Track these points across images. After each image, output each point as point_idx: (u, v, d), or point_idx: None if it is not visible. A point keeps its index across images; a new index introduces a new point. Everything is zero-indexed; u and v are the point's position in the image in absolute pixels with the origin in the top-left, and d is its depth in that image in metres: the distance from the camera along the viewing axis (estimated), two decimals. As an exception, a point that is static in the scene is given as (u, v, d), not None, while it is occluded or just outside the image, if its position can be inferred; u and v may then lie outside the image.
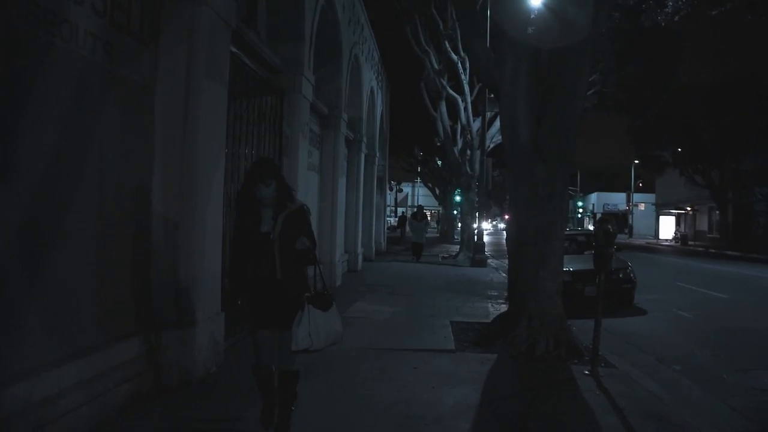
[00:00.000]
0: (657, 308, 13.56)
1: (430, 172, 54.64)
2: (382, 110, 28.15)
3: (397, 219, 52.02)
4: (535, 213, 8.83)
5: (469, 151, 28.22)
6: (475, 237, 25.07)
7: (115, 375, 5.57)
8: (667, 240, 62.31)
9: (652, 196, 71.65)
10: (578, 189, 77.22)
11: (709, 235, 53.29)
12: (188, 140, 6.45)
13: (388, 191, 40.43)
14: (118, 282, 5.85)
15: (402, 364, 7.75)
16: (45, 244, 4.71)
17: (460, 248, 28.24)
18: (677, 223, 64.76)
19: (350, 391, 6.57)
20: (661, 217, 68.40)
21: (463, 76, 26.17)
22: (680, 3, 15.75)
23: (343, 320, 10.31)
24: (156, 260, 6.43)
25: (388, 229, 38.10)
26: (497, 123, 25.53)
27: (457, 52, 25.61)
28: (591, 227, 56.00)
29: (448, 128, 29.22)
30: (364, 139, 21.13)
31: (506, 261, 21.56)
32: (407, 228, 22.96)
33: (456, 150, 29.48)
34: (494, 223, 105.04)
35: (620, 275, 13.30)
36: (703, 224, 56.84)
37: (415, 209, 25.57)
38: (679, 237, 56.11)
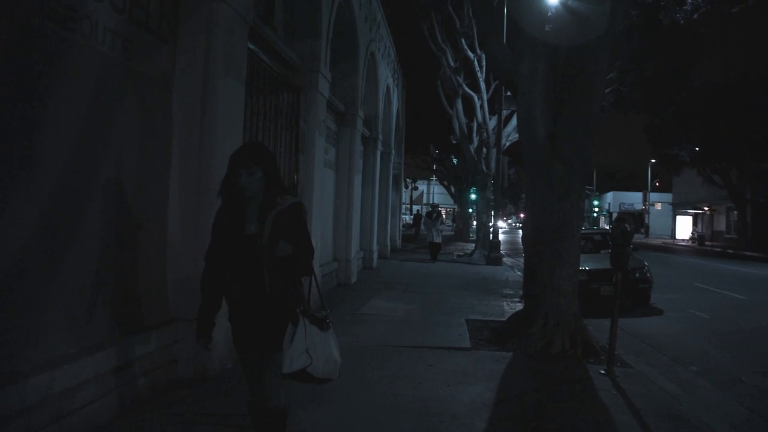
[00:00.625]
0: (673, 308, 13.50)
1: (445, 170, 54.57)
2: (398, 108, 28.12)
3: (412, 217, 52.03)
4: (552, 211, 8.80)
5: (485, 149, 28.22)
6: (491, 235, 25.01)
7: (133, 369, 5.61)
8: (683, 240, 61.98)
9: (668, 195, 71.30)
10: (594, 188, 76.91)
11: (726, 236, 53.00)
12: (205, 137, 6.48)
13: (403, 189, 40.41)
14: (135, 277, 5.88)
15: (417, 362, 7.75)
16: (65, 239, 4.74)
17: (475, 246, 28.20)
18: (694, 223, 64.43)
19: (366, 387, 6.57)
20: (677, 217, 68.06)
21: (479, 74, 26.16)
22: (699, 0, 15.60)
23: (358, 317, 10.46)
24: (173, 256, 6.46)
25: (403, 226, 38.11)
26: (513, 121, 25.55)
27: (473, 50, 25.60)
28: (606, 227, 55.86)
29: (464, 126, 29.19)
30: (380, 137, 21.12)
31: (521, 259, 21.53)
32: (422, 227, 22.73)
33: (472, 148, 29.47)
34: (509, 221, 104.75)
35: (637, 275, 13.25)
36: (720, 224, 56.50)
37: (430, 208, 24.97)
38: (696, 237, 55.81)
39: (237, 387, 6.35)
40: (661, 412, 6.07)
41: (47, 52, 4.44)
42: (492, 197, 26.61)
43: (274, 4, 10.55)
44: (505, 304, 13.10)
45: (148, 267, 6.17)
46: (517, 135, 25.21)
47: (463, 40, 25.42)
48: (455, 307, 12.34)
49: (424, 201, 74.56)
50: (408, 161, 42.88)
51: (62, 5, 4.55)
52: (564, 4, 9.17)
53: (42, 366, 4.35)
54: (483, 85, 26.52)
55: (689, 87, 30.65)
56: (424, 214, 35.57)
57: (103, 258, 5.28)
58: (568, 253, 8.76)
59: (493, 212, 26.15)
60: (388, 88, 22.96)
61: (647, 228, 71.23)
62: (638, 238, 59.37)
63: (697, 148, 46.37)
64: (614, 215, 74.00)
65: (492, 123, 26.67)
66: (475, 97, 26.97)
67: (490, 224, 26.01)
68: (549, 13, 11.08)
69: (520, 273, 19.14)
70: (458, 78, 27.19)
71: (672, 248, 47.23)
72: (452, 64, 26.88)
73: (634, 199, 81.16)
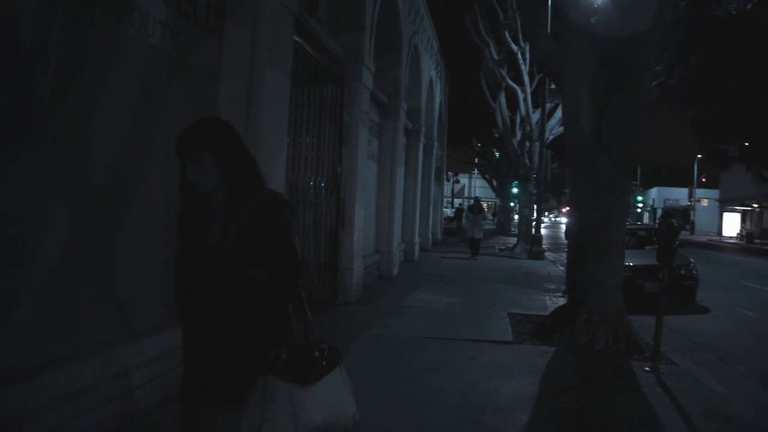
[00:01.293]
0: (720, 307, 13.25)
1: (487, 164, 54.28)
2: (441, 100, 28.03)
3: (453, 210, 51.87)
4: (597, 206, 8.70)
5: (528, 143, 28.02)
6: (533, 229, 24.84)
7: (178, 355, 5.68)
8: (730, 237, 60.73)
9: (715, 191, 69.95)
10: (638, 183, 75.84)
11: (776, 234, 51.81)
12: (251, 128, 6.51)
13: (445, 182, 40.30)
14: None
15: (460, 354, 7.73)
16: (115, 227, 4.83)
17: (517, 240, 28.08)
18: (742, 220, 63.05)
19: (409, 378, 6.59)
20: (724, 214, 66.70)
21: (522, 67, 25.97)
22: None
23: (400, 309, 10.51)
24: (218, 245, 6.52)
25: (444, 220, 38.03)
26: (557, 114, 25.32)
27: (517, 43, 25.41)
28: (650, 223, 55.05)
29: (507, 119, 29.04)
30: (423, 129, 21.09)
31: (563, 254, 21.33)
32: (464, 221, 22.26)
33: (515, 141, 29.30)
34: (551, 216, 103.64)
35: (682, 271, 13.02)
36: (770, 222, 55.25)
37: (472, 201, 24.39)
38: (744, 234, 54.62)
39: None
40: (707, 412, 5.95)
41: (100, 43, 4.52)
42: (534, 191, 26.42)
43: (318, -4, 10.60)
44: (547, 298, 13.00)
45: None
46: (560, 128, 25.08)
47: (506, 32, 25.24)
48: (497, 300, 12.29)
49: (466, 194, 74.22)
50: (450, 154, 42.69)
51: (115, -3, 4.62)
52: (611, -5, 9.04)
53: (95, 349, 4.45)
54: (526, 78, 26.32)
55: (739, 80, 29.96)
56: (465, 207, 35.37)
57: (151, 247, 5.35)
58: (613, 249, 8.66)
59: (535, 206, 25.94)
60: (430, 81, 22.90)
61: (692, 225, 70.00)
62: (683, 234, 58.33)
63: (746, 143, 45.32)
64: (658, 211, 72.96)
65: (535, 116, 26.45)
66: (519, 90, 26.77)
67: (533, 218, 25.82)
68: (596, 5, 10.93)
69: (562, 268, 18.98)
70: (501, 71, 27.01)
71: (718, 245, 46.36)
72: (495, 56, 26.73)
73: (679, 194, 79.80)
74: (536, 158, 26.05)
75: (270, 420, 2.51)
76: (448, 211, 55.16)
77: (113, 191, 4.77)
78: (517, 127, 30.02)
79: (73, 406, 4.15)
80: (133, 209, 5.07)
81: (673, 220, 7.52)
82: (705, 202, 72.59)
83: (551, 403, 6.07)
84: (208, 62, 6.29)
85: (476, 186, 79.20)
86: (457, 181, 71.47)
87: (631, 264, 12.22)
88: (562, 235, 30.98)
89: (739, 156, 48.03)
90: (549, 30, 13.95)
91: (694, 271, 13.38)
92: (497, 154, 48.17)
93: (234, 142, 3.03)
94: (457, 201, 67.99)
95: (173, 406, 5.31)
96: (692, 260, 13.74)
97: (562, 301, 11.96)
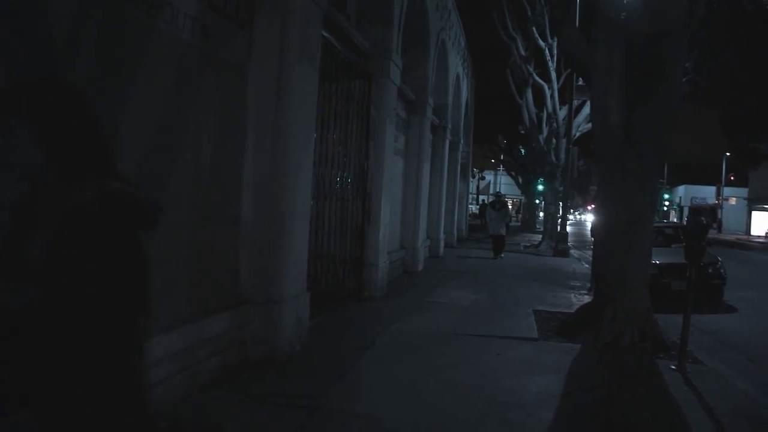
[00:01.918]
0: (749, 307, 13.08)
1: (513, 160, 54.05)
2: (467, 97, 27.97)
3: (478, 207, 51.74)
4: (625, 203, 8.63)
5: (554, 140, 27.88)
6: (558, 227, 24.68)
7: (205, 348, 5.74)
8: (759, 236, 59.95)
9: (744, 190, 69.06)
10: (665, 181, 75.10)
11: (807, 233, 51.09)
12: (280, 122, 6.56)
13: (470, 179, 40.19)
14: (210, 259, 6.00)
15: (485, 350, 7.72)
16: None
17: (542, 237, 27.98)
18: (771, 219, 62.30)
19: (434, 373, 6.58)
20: (753, 212, 65.86)
21: (550, 63, 25.83)
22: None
23: (425, 305, 10.52)
24: (245, 238, 6.57)
25: (469, 216, 37.95)
26: (584, 111, 25.15)
27: (544, 39, 25.27)
28: (676, 221, 54.46)
29: (534, 116, 28.86)
30: (449, 126, 21.05)
31: (588, 251, 21.19)
32: (486, 218, 21.54)
33: (541, 138, 29.14)
34: (576, 213, 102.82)
35: (710, 270, 12.87)
36: (801, 221, 54.50)
37: (494, 197, 23.28)
38: (773, 234, 53.98)
39: (305, 369, 6.46)
40: (735, 412, 5.88)
41: (132, 37, 4.57)
42: (560, 188, 26.27)
43: (346, -9, 10.62)
44: (572, 295, 12.93)
45: (222, 249, 6.29)
46: (587, 125, 24.95)
47: (534, 28, 25.10)
48: (522, 297, 12.25)
49: (491, 191, 73.94)
50: (476, 151, 42.59)
51: (146, -9, 4.67)
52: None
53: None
54: (554, 75, 26.18)
55: (769, 77, 29.53)
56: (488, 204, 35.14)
57: (179, 239, 5.41)
58: (640, 246, 8.59)
59: (561, 203, 25.79)
60: (457, 77, 22.84)
61: (720, 223, 69.12)
62: (711, 233, 57.70)
63: (777, 142, 44.71)
64: (685, 209, 72.19)
65: (562, 113, 26.27)
66: (546, 87, 26.64)
67: (558, 215, 25.67)
68: (625, 0, 10.84)
69: (587, 265, 18.88)
70: (528, 67, 26.89)
71: (747, 245, 45.76)
72: (522, 52, 26.60)
73: (706, 193, 78.79)
74: (562, 155, 25.87)
75: None
76: (473, 208, 55.05)
77: (142, 183, 4.81)
78: (544, 124, 29.86)
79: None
80: (162, 201, 5.12)
81: (702, 218, 7.45)
82: (733, 201, 71.69)
83: (576, 400, 6.04)
84: (237, 56, 6.33)
85: (501, 183, 78.82)
86: (483, 178, 71.31)
87: (657, 262, 12.10)
88: (588, 233, 30.85)
89: (769, 154, 47.43)
90: (578, 25, 13.87)
91: (722, 270, 13.23)
92: (523, 151, 47.95)
93: (59, 106, 2.18)
94: (482, 197, 67.73)
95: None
96: (720, 259, 13.60)
97: (587, 298, 11.91)
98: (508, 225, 21.86)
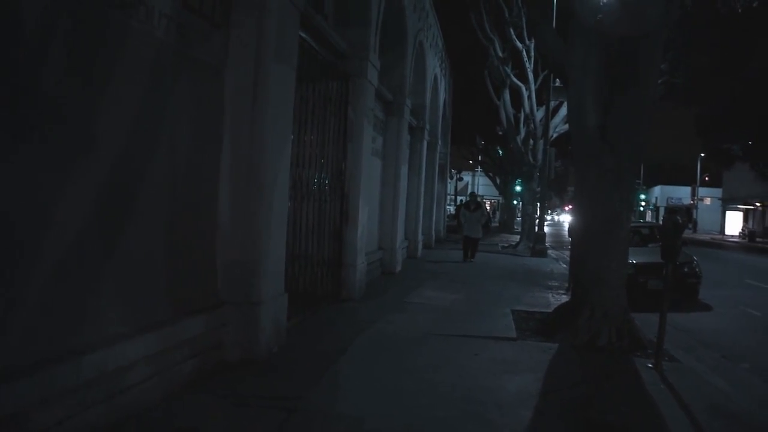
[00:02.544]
0: (723, 305, 13.23)
1: (491, 161, 54.19)
2: (445, 98, 28.02)
3: (456, 207, 51.81)
4: (601, 203, 8.69)
5: (531, 141, 28.01)
6: (536, 227, 24.81)
7: (182, 350, 5.69)
8: (733, 236, 60.62)
9: (718, 190, 69.82)
10: (641, 182, 75.65)
11: (779, 232, 51.72)
12: (257, 122, 6.52)
13: (448, 179, 40.25)
14: (185, 260, 5.95)
15: (463, 350, 7.72)
16: (119, 221, 4.82)
17: (520, 238, 28.13)
18: (745, 219, 62.94)
19: (412, 373, 6.58)
20: (727, 212, 66.60)
21: (527, 65, 25.97)
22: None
23: (403, 306, 10.51)
24: (222, 240, 6.52)
25: (447, 217, 37.99)
26: (561, 112, 25.31)
27: (522, 40, 25.40)
28: (652, 220, 54.91)
29: (512, 117, 28.97)
30: (427, 127, 21.07)
31: (566, 252, 21.29)
32: (461, 219, 20.39)
33: (519, 139, 29.25)
34: (554, 214, 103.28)
35: (685, 269, 13.04)
36: (773, 221, 55.17)
37: (468, 197, 22.30)
38: (747, 233, 54.53)
39: (283, 371, 6.43)
40: (711, 408, 5.94)
41: (106, 36, 4.51)
42: (538, 189, 26.40)
43: (324, -8, 10.59)
44: (550, 295, 12.99)
45: (199, 251, 6.24)
46: (564, 126, 25.07)
47: (511, 29, 25.21)
48: (500, 297, 12.28)
49: (469, 192, 74.12)
50: (454, 152, 42.62)
51: (120, -10, 4.62)
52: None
53: (96, 344, 4.44)
54: (531, 76, 26.31)
55: (743, 78, 29.83)
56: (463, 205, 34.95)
57: (155, 241, 5.36)
58: (617, 246, 8.64)
59: (539, 204, 25.90)
60: (435, 78, 22.87)
61: (695, 223, 69.83)
62: (686, 233, 58.14)
63: (750, 142, 45.15)
64: (661, 209, 72.80)
65: (539, 114, 26.41)
66: (523, 88, 26.77)
67: (536, 216, 25.78)
68: (602, 1, 10.90)
69: (564, 265, 19.00)
70: (506, 68, 27.00)
71: (721, 244, 46.29)
72: (500, 54, 26.71)
73: (682, 193, 79.55)
74: (540, 156, 26.04)
75: None
76: (451, 209, 55.13)
77: (116, 184, 4.76)
78: (521, 125, 29.97)
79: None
80: (136, 202, 5.07)
81: (678, 217, 7.51)
82: (708, 201, 72.41)
83: (554, 399, 6.06)
84: (213, 56, 6.28)
85: (479, 184, 78.99)
86: (461, 179, 71.39)
87: (633, 261, 12.19)
88: (565, 233, 31.00)
89: (743, 154, 47.90)
90: (554, 25, 13.93)
91: (698, 269, 13.39)
92: (501, 152, 48.09)
93: None
94: (460, 198, 67.87)
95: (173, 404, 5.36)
96: (695, 258, 13.74)
97: (565, 298, 11.97)
98: (488, 227, 21.54)
